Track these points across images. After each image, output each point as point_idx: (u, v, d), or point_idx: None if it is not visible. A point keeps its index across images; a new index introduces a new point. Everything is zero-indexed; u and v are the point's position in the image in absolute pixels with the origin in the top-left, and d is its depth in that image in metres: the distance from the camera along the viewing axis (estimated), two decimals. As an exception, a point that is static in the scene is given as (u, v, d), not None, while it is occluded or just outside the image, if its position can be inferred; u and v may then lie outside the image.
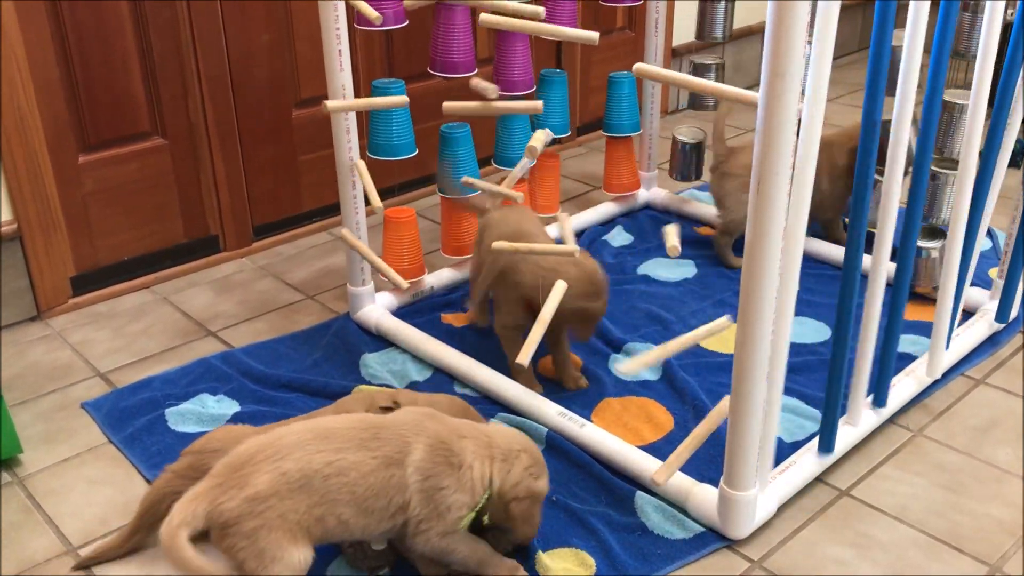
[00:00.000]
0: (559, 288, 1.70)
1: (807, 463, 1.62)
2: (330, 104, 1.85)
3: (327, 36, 1.86)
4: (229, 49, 2.35)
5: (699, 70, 2.34)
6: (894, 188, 1.53)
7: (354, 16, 1.90)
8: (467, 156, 2.15)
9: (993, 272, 2.20)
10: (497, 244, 1.77)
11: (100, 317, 2.23)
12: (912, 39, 1.46)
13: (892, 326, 1.67)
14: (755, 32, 3.60)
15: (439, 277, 2.26)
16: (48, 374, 2.01)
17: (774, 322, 1.35)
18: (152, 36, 2.23)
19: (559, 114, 2.34)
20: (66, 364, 2.04)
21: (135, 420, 1.82)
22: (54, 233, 2.19)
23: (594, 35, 1.88)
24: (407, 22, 1.96)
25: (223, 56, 2.34)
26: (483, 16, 1.84)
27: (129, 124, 2.27)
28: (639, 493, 1.59)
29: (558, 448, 1.69)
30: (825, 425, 1.61)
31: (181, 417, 1.82)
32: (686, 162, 2.49)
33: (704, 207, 2.59)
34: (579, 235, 2.51)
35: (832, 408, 1.58)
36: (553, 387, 1.87)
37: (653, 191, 2.69)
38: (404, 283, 1.87)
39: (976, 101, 1.65)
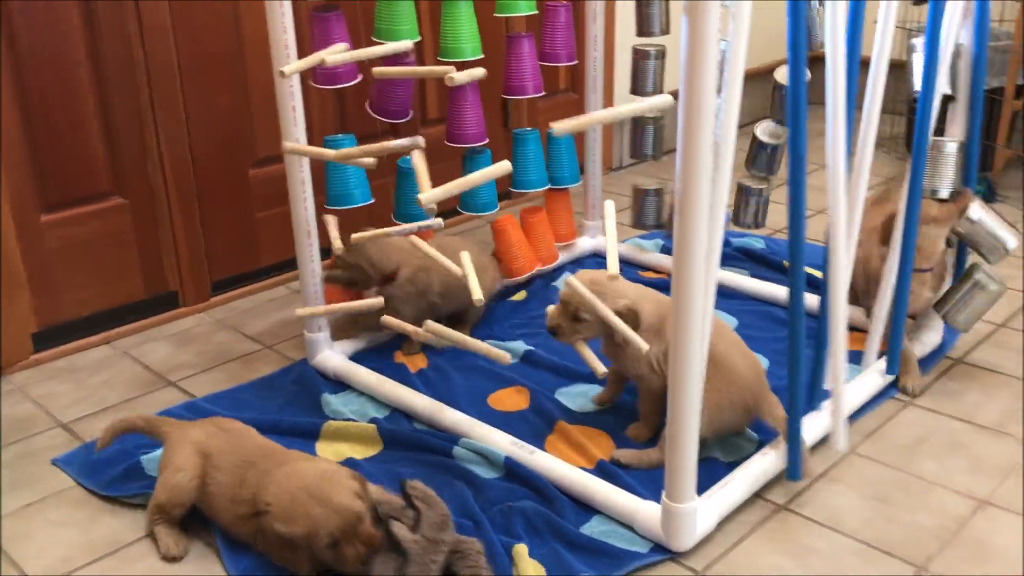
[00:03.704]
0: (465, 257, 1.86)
1: (744, 480, 1.71)
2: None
3: (281, 93, 1.96)
4: (188, 112, 2.45)
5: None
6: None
7: (310, 73, 2.01)
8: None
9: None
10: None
11: (61, 372, 2.27)
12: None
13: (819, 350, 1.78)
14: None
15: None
16: (11, 425, 2.04)
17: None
18: (113, 99, 2.32)
19: (535, 169, 2.46)
20: (28, 416, 2.08)
21: (110, 470, 1.84)
22: (16, 290, 2.24)
23: (449, 69, 2.01)
24: (360, 78, 2.08)
25: (182, 118, 2.44)
26: (375, 68, 1.99)
27: (90, 184, 2.34)
28: (587, 513, 1.68)
29: (515, 473, 1.77)
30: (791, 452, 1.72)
31: (157, 463, 1.84)
32: (647, 209, 2.54)
33: (649, 254, 2.71)
34: (528, 283, 2.60)
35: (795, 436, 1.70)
36: (509, 420, 1.95)
37: (598, 239, 2.80)
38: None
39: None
